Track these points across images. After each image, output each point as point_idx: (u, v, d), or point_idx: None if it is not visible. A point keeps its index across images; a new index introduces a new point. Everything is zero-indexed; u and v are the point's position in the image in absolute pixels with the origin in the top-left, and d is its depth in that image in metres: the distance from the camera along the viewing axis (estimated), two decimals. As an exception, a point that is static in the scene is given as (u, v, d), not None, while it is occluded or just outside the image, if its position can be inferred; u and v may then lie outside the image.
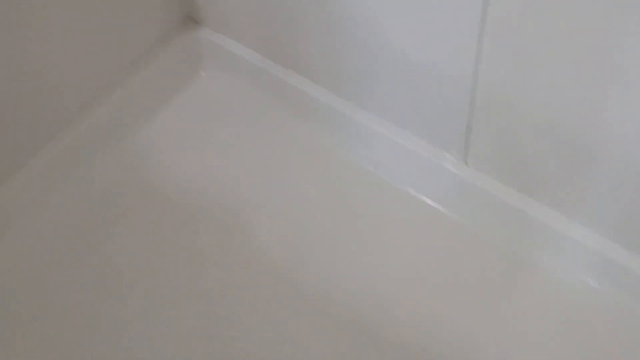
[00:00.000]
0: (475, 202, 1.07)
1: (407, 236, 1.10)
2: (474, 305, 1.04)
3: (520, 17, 0.82)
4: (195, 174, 1.20)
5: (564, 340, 1.01)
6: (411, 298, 1.03)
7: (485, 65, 0.91)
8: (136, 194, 1.20)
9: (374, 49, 1.02)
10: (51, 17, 1.10)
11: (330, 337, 1.01)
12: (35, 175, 1.18)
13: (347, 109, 1.16)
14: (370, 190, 1.15)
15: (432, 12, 0.90)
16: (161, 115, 1.26)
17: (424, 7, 0.91)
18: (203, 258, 1.11)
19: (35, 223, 1.17)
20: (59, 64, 1.14)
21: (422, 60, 0.98)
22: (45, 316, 1.08)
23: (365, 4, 0.98)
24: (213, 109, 1.28)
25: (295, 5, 1.08)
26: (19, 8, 1.04)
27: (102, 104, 1.22)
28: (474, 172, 1.05)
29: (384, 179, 1.15)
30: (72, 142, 1.20)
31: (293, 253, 1.11)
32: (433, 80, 0.99)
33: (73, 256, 1.14)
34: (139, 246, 1.14)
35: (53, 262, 1.13)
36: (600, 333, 1.00)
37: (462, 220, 1.09)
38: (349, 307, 1.03)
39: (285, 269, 1.10)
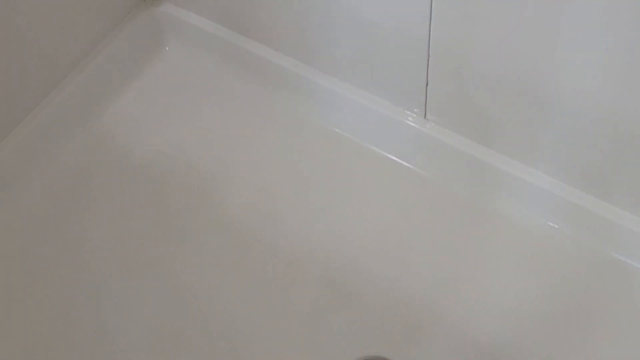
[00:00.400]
0: (436, 154, 1.09)
1: (374, 191, 1.12)
2: (442, 252, 1.07)
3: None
4: (165, 145, 1.20)
5: (528, 277, 1.05)
6: (381, 249, 1.06)
7: (438, 23, 0.92)
8: (108, 168, 1.20)
9: (332, 12, 1.02)
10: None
11: (305, 292, 1.03)
12: (7, 156, 1.17)
13: (310, 74, 1.16)
14: (337, 151, 1.16)
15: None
16: (128, 91, 1.26)
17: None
18: (177, 226, 1.12)
19: (10, 202, 1.17)
20: (24, 44, 1.13)
21: (379, 21, 0.98)
22: (24, 292, 1.08)
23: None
24: (179, 82, 1.28)
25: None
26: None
27: (69, 82, 1.22)
28: (434, 126, 1.08)
29: (350, 138, 1.16)
30: (42, 121, 1.20)
31: (265, 214, 1.13)
32: (390, 41, 1.00)
33: (48, 232, 1.14)
34: (114, 218, 1.15)
35: (29, 239, 1.13)
36: (561, 268, 1.04)
37: (425, 173, 1.12)
38: (322, 262, 1.05)
39: (258, 230, 1.11)
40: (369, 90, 1.12)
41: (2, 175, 1.16)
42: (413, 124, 1.09)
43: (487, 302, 1.03)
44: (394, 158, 1.14)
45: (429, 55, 0.97)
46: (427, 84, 1.01)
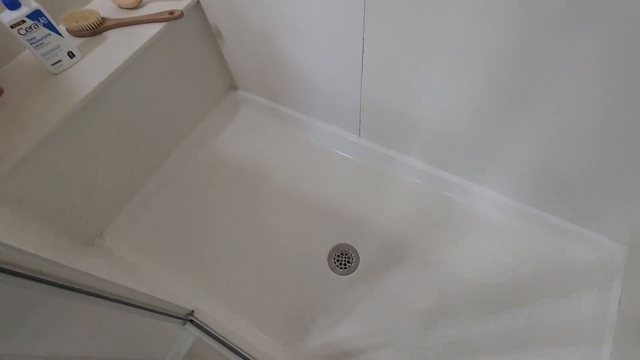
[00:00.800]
0: (368, 154, 1.59)
1: (334, 170, 1.61)
2: (360, 198, 1.49)
3: (381, 47, 1.11)
4: (247, 157, 1.60)
5: (404, 209, 1.48)
6: (345, 204, 1.51)
7: (365, 82, 1.27)
8: (221, 168, 1.59)
9: (307, 87, 1.46)
10: (164, 92, 1.42)
11: (308, 218, 1.49)
12: (171, 165, 1.57)
13: (303, 117, 1.65)
14: (313, 153, 1.63)
15: (335, 50, 1.22)
16: (225, 132, 1.72)
17: (331, 51, 1.23)
18: (257, 194, 1.53)
19: (172, 182, 1.53)
20: (166, 117, 1.50)
21: (330, 85, 1.38)
22: (190, 215, 1.46)
23: (302, 62, 1.35)
24: (249, 127, 1.73)
25: (275, 70, 1.50)
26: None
27: (192, 132, 1.66)
28: (365, 140, 1.57)
29: (322, 146, 1.64)
30: (178, 155, 1.61)
31: (293, 187, 1.49)
32: (339, 95, 1.41)
33: (198, 197, 1.51)
34: (227, 190, 1.52)
35: (193, 199, 1.51)
36: (421, 202, 1.48)
37: (363, 163, 1.60)
38: (317, 206, 1.50)
39: (289, 193, 1.49)
40: (330, 123, 1.59)
41: (174, 174, 1.55)
42: (354, 139, 1.59)
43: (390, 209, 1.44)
44: (345, 155, 1.64)
45: (360, 104, 1.40)
46: (359, 117, 1.48)
